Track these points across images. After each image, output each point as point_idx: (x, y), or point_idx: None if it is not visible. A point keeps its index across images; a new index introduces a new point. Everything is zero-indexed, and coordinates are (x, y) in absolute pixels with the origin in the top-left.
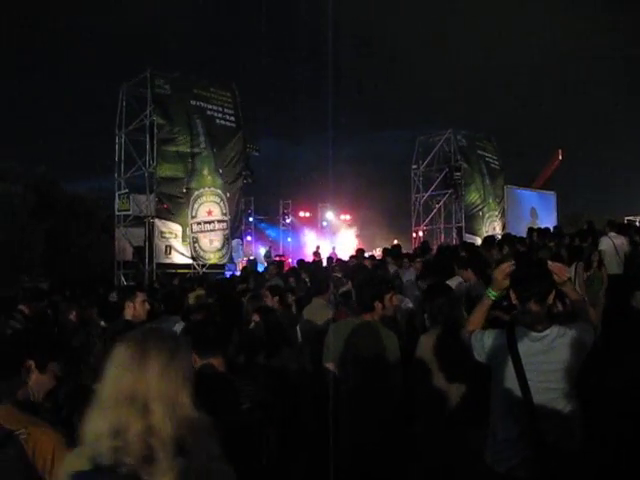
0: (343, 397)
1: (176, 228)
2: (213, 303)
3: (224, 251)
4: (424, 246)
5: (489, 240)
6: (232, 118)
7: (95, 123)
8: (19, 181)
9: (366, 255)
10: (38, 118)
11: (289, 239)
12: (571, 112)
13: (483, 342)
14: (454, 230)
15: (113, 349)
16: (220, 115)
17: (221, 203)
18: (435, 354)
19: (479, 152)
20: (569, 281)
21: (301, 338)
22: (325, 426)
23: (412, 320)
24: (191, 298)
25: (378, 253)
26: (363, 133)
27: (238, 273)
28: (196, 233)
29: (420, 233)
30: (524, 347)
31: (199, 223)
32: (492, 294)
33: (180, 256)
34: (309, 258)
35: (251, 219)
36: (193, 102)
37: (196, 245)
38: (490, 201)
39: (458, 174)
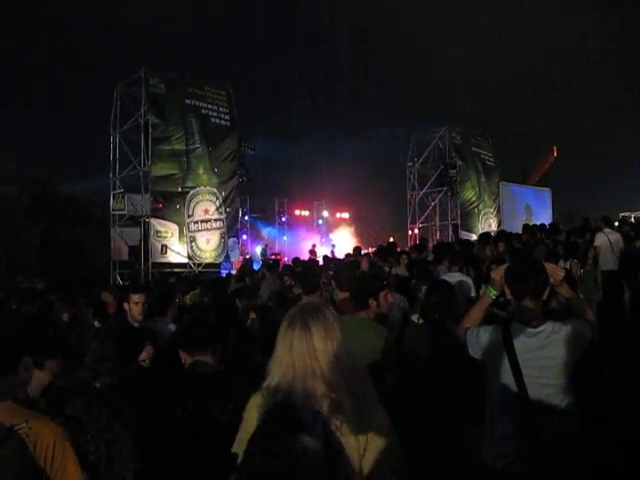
0: None
1: (172, 227)
2: (207, 303)
3: (220, 250)
4: (422, 244)
5: (484, 237)
6: (227, 117)
7: (90, 123)
8: (14, 182)
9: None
10: (32, 118)
11: (285, 237)
12: (566, 109)
13: (479, 338)
14: (450, 227)
15: (282, 324)
16: (215, 114)
17: (217, 202)
18: (423, 350)
19: (474, 149)
20: (564, 282)
21: None
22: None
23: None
24: (188, 298)
25: (372, 251)
26: (358, 131)
27: (234, 272)
28: (193, 232)
29: (416, 230)
30: (519, 343)
31: (196, 222)
32: (493, 292)
33: (176, 255)
34: (305, 256)
35: (247, 218)
36: (188, 101)
37: (193, 244)
38: (485, 198)
39: (453, 171)
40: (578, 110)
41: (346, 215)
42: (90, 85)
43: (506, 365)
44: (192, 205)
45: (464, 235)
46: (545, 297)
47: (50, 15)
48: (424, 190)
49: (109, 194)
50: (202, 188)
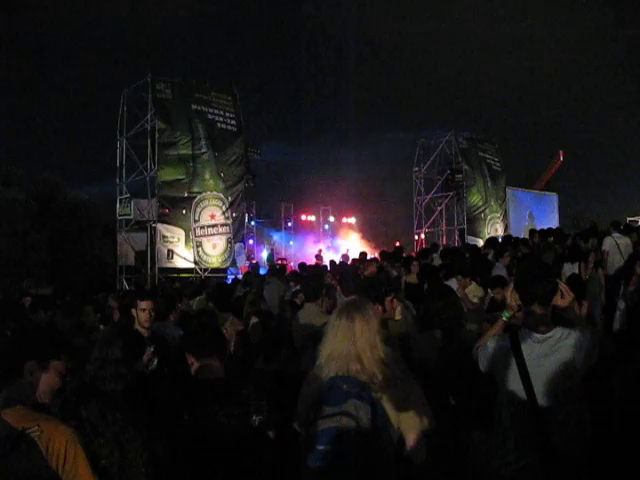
0: None
1: (179, 232)
2: (212, 308)
3: (227, 255)
4: (431, 248)
5: (491, 242)
6: (233, 122)
7: (96, 128)
8: (21, 187)
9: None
10: (39, 124)
11: (291, 242)
12: (572, 113)
13: (486, 349)
14: (456, 232)
15: (332, 315)
16: (221, 119)
17: (223, 207)
18: (429, 355)
19: (480, 154)
20: (574, 303)
21: (296, 342)
22: None
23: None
24: (195, 303)
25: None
26: (364, 136)
27: (240, 277)
28: (199, 237)
29: (422, 235)
30: (528, 349)
31: (202, 227)
32: (506, 316)
33: (182, 260)
34: (311, 261)
35: (253, 223)
36: (194, 106)
37: (199, 249)
38: (492, 203)
39: (460, 176)
40: (585, 114)
41: (352, 220)
42: (97, 90)
43: (514, 371)
44: (198, 210)
45: (470, 240)
46: (555, 303)
47: (57, 20)
48: (430, 195)
49: (116, 199)
50: (208, 193)
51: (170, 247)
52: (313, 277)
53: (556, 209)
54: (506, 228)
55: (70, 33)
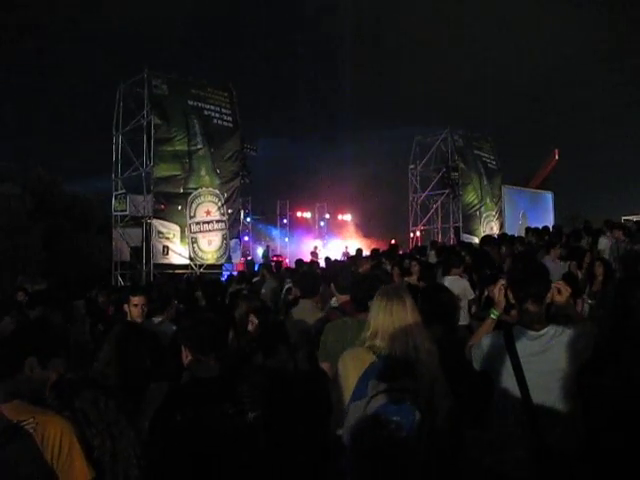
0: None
1: (174, 228)
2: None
3: (222, 251)
4: (423, 247)
5: (487, 240)
6: (229, 118)
7: (92, 123)
8: (17, 182)
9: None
10: (35, 118)
11: (287, 239)
12: (568, 112)
13: (481, 346)
14: (451, 230)
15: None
16: (217, 115)
17: (219, 203)
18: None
19: (476, 152)
20: (570, 304)
21: (291, 338)
22: (321, 426)
23: None
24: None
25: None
26: (360, 133)
27: (235, 273)
28: (195, 233)
29: (417, 233)
30: (522, 347)
31: (198, 223)
32: (495, 314)
33: (178, 256)
34: (307, 258)
35: (248, 219)
36: (190, 102)
37: (195, 245)
38: (487, 201)
39: (455, 174)
40: (581, 112)
41: (348, 217)
42: (93, 86)
43: (509, 369)
44: (194, 206)
45: (466, 238)
46: (548, 300)
47: (53, 16)
48: (426, 193)
49: (111, 195)
50: (204, 189)
51: (165, 243)
52: (309, 273)
53: (551, 208)
54: (501, 226)
55: (67, 28)
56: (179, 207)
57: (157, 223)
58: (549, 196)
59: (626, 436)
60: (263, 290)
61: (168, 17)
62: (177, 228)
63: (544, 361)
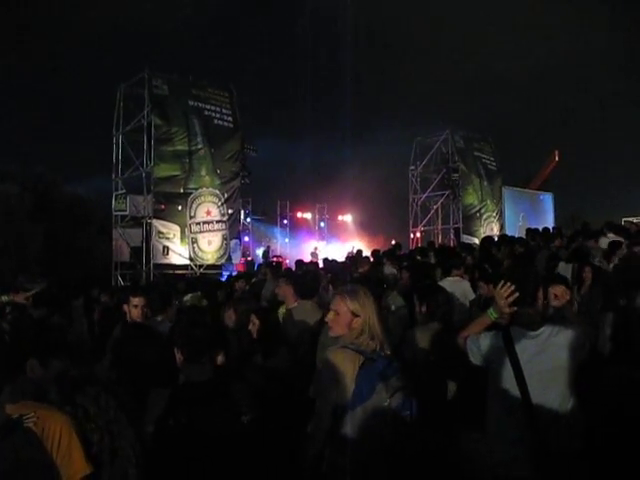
0: None
1: (174, 228)
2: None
3: (222, 251)
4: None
5: (487, 241)
6: (230, 118)
7: (92, 123)
8: (16, 182)
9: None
10: (35, 118)
11: (287, 240)
12: (568, 112)
13: (479, 344)
14: (452, 231)
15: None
16: (218, 115)
17: (219, 203)
18: (430, 350)
19: (476, 153)
20: (567, 306)
21: (290, 339)
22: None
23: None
24: (189, 300)
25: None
26: (361, 134)
27: (235, 274)
28: (195, 233)
29: (418, 234)
30: (520, 347)
31: (198, 223)
32: (493, 315)
33: (178, 257)
34: (307, 259)
35: (249, 220)
36: (191, 102)
37: (195, 245)
38: (488, 202)
39: (456, 175)
40: (581, 113)
41: (348, 218)
42: (93, 86)
43: (508, 370)
44: (194, 206)
45: (466, 239)
46: (541, 299)
47: (53, 15)
48: (426, 194)
49: (111, 195)
50: (204, 189)
51: (165, 243)
52: (309, 274)
53: (552, 209)
54: (501, 227)
55: (67, 29)
56: (179, 207)
57: (157, 223)
58: (549, 197)
59: (624, 435)
60: (263, 291)
61: (169, 17)
62: (177, 228)
63: (542, 361)
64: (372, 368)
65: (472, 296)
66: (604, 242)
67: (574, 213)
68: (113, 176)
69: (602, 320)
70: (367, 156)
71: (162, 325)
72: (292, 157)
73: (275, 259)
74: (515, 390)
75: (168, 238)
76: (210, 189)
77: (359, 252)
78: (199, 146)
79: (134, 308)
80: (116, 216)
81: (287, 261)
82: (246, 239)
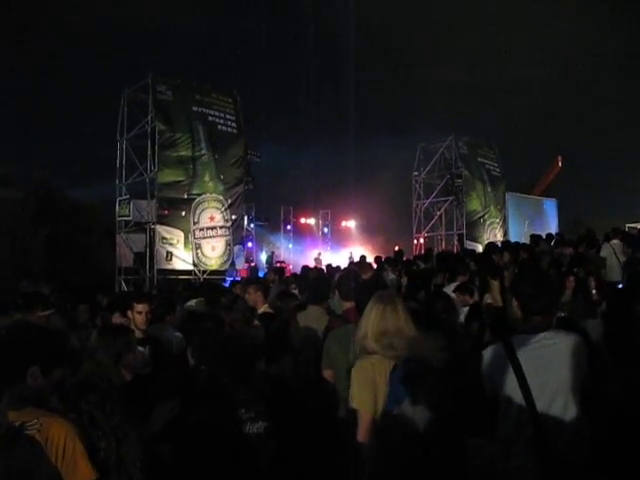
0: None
1: (178, 234)
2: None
3: (226, 257)
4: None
5: (491, 247)
6: (233, 124)
7: (96, 129)
8: (20, 187)
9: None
10: (38, 123)
11: (290, 245)
12: (571, 119)
13: (483, 359)
14: (455, 237)
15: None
16: (222, 121)
17: (222, 209)
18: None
19: (480, 159)
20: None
21: (296, 345)
22: (326, 434)
23: None
24: (194, 304)
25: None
26: (364, 140)
27: (239, 279)
28: (198, 239)
29: (421, 240)
30: (524, 355)
31: (201, 229)
32: None
33: (181, 262)
34: (311, 265)
35: (252, 225)
36: (195, 108)
37: (198, 251)
38: (491, 208)
39: (459, 181)
40: (584, 119)
41: (352, 224)
42: (97, 91)
43: (512, 378)
44: (198, 212)
45: (469, 245)
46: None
47: (58, 20)
48: (430, 199)
49: (115, 200)
50: (208, 195)
51: (169, 249)
52: (320, 280)
53: (555, 215)
54: (505, 233)
55: (71, 33)
56: (183, 213)
57: (161, 229)
58: (553, 203)
59: (629, 442)
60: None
61: (173, 23)
62: (181, 234)
63: (547, 369)
64: (401, 373)
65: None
66: (606, 249)
67: (577, 219)
68: (117, 181)
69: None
70: (370, 162)
71: (165, 331)
72: (296, 163)
73: (278, 265)
74: (519, 399)
75: (172, 244)
76: (214, 195)
77: (362, 258)
78: (203, 152)
79: (138, 314)
80: (120, 221)
81: (290, 267)
82: (249, 245)
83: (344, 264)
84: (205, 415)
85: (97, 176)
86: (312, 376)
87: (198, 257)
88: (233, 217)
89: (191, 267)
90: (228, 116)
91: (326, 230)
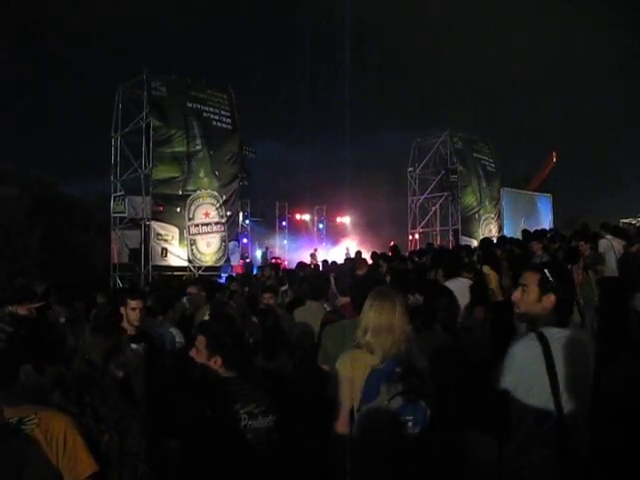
0: None
1: (173, 230)
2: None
3: (221, 253)
4: (422, 250)
5: (486, 242)
6: (228, 120)
7: (91, 125)
8: (15, 184)
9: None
10: (34, 120)
11: (285, 241)
12: (565, 113)
13: (512, 351)
14: (450, 232)
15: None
16: (216, 117)
17: (217, 205)
18: (432, 353)
19: (475, 155)
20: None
21: (293, 340)
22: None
23: None
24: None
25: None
26: (359, 135)
27: (234, 275)
28: (193, 235)
29: (416, 235)
30: (554, 348)
31: (196, 225)
32: None
33: (176, 258)
34: (306, 261)
35: (247, 221)
36: (189, 104)
37: (193, 247)
38: (486, 203)
39: (454, 176)
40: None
41: (346, 220)
42: (92, 87)
43: (540, 371)
44: (193, 208)
45: (464, 240)
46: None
47: (52, 16)
48: (425, 195)
49: (110, 196)
50: (203, 191)
51: (164, 245)
52: (319, 275)
53: (550, 210)
54: (500, 229)
55: (66, 31)
56: (178, 209)
57: (156, 225)
58: (548, 199)
59: (627, 435)
60: None
61: (168, 19)
62: (176, 230)
63: (574, 363)
64: (380, 371)
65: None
66: (603, 244)
67: (572, 214)
68: (111, 178)
69: None
70: (366, 157)
71: (161, 327)
72: (291, 159)
73: (274, 261)
74: (543, 393)
75: (166, 240)
76: (209, 191)
77: (358, 253)
78: (198, 148)
79: (132, 311)
80: (114, 218)
81: (286, 263)
82: (245, 241)
83: (339, 260)
84: (218, 410)
85: (92, 172)
86: (308, 371)
87: (193, 253)
88: (228, 213)
89: (186, 263)
90: (223, 112)
91: (321, 226)
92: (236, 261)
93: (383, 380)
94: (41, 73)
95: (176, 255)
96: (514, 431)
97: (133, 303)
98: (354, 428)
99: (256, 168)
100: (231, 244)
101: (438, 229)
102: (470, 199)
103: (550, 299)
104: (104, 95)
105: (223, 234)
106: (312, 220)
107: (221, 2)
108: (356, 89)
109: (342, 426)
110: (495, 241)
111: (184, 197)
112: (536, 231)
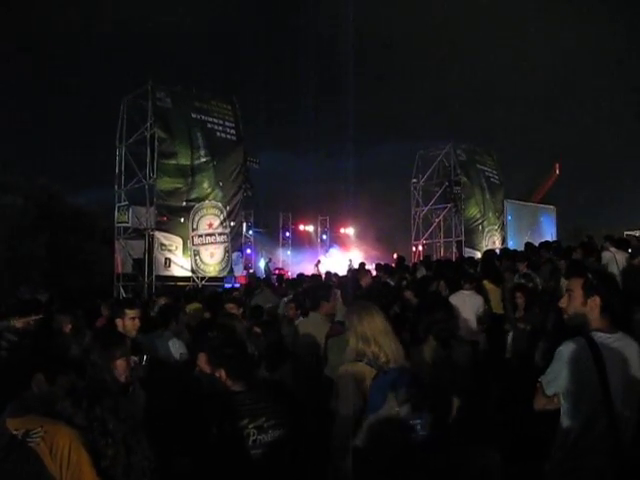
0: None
1: (177, 240)
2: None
3: (224, 264)
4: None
5: (489, 254)
6: (232, 131)
7: (96, 135)
8: (20, 193)
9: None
10: (39, 130)
11: (289, 252)
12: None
13: (562, 352)
14: (454, 244)
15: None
16: (221, 128)
17: (221, 216)
18: (427, 366)
19: (479, 166)
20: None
21: (296, 352)
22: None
23: None
24: (189, 310)
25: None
26: (363, 147)
27: (237, 285)
28: (197, 246)
29: (420, 247)
30: (604, 352)
31: (200, 236)
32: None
33: (179, 269)
34: (309, 271)
35: (251, 232)
36: (194, 115)
37: (197, 258)
38: (490, 215)
39: (458, 188)
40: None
41: (350, 231)
42: (97, 98)
43: (590, 375)
44: (196, 219)
45: (468, 252)
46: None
47: (58, 27)
48: (428, 207)
49: (114, 207)
50: (207, 202)
51: (168, 255)
52: (321, 286)
53: (554, 222)
54: (503, 240)
55: (71, 40)
56: (181, 219)
57: (159, 235)
58: (551, 211)
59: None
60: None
61: (172, 31)
62: (179, 240)
63: (623, 368)
64: (384, 379)
65: (482, 309)
66: (606, 257)
67: (576, 226)
68: (116, 188)
69: None
70: (369, 169)
71: (161, 339)
72: (294, 170)
73: (277, 272)
74: (594, 396)
75: (170, 250)
76: (212, 202)
77: (362, 265)
78: (202, 159)
79: (130, 321)
80: (118, 228)
81: (289, 274)
82: (248, 251)
83: (343, 271)
84: (224, 427)
85: (96, 182)
86: (311, 382)
87: (196, 264)
88: (232, 224)
89: (189, 274)
90: (227, 123)
91: (325, 237)
92: (239, 272)
93: (389, 388)
94: (47, 84)
95: (179, 265)
96: (562, 436)
97: (131, 313)
98: (361, 437)
99: (260, 179)
100: (234, 255)
101: (442, 240)
102: (474, 211)
103: (595, 301)
104: (109, 106)
105: (226, 245)
106: (315, 231)
107: (227, 14)
108: (360, 101)
109: (346, 434)
110: (498, 252)
111: (188, 208)
112: (541, 243)
